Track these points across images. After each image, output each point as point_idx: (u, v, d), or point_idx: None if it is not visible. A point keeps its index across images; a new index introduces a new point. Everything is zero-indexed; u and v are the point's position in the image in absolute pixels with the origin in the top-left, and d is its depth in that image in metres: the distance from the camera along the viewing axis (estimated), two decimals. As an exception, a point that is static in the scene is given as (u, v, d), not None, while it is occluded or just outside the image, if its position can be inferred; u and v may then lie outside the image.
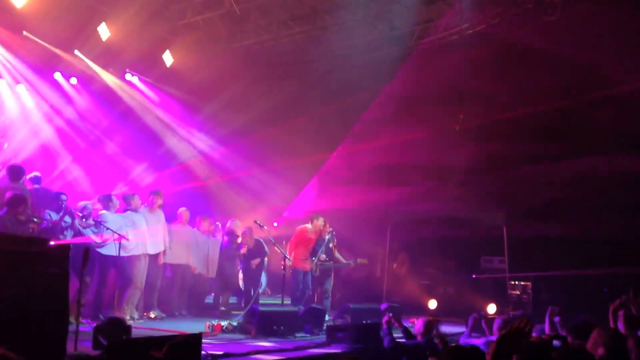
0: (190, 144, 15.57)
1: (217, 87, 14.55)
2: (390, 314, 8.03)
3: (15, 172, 9.62)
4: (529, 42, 12.10)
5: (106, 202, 10.28)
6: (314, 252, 11.74)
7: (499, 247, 14.23)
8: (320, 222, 11.86)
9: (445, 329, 10.95)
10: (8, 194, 8.76)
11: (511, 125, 13.45)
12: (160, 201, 10.93)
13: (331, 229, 12.00)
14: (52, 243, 6.95)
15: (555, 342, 5.50)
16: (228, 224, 12.40)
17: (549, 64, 12.55)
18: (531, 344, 4.49)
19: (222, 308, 11.88)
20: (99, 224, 9.71)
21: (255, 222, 11.70)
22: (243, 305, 12.04)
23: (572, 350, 4.69)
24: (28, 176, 10.17)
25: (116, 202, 10.51)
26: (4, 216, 8.49)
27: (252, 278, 12.39)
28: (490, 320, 8.58)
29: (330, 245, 11.95)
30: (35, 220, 9.01)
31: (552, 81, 12.89)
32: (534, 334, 7.23)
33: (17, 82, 12.89)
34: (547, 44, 11.96)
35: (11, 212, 8.53)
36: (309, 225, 11.89)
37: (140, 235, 10.23)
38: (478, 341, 7.21)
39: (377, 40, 13.74)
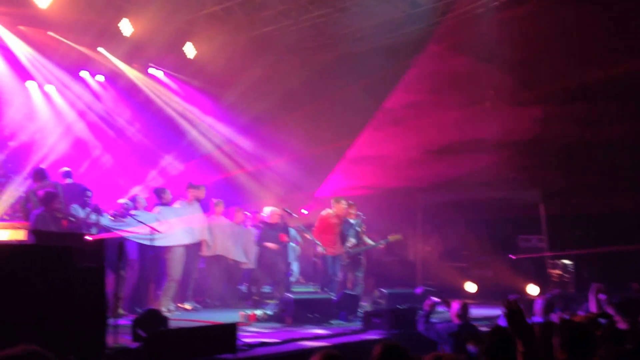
0: (215, 134, 15.60)
1: (239, 75, 14.55)
2: (438, 299, 7.91)
3: (38, 174, 9.77)
4: (559, 10, 11.86)
5: (134, 203, 10.36)
6: (342, 237, 11.59)
7: (536, 225, 13.94)
8: (342, 204, 11.58)
9: (484, 311, 10.82)
10: (41, 192, 8.89)
11: (545, 97, 13.25)
12: (195, 194, 10.94)
13: (359, 212, 11.87)
14: (87, 238, 7.04)
15: (602, 320, 5.37)
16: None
17: (582, 30, 12.27)
18: (576, 324, 4.38)
19: (255, 297, 11.87)
20: (129, 217, 9.78)
21: (285, 210, 11.65)
22: (276, 293, 12.02)
23: (617, 330, 4.57)
24: (60, 170, 10.33)
25: (143, 201, 10.63)
26: (42, 214, 8.65)
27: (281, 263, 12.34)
28: (529, 301, 8.42)
29: (358, 229, 11.79)
30: (72, 219, 9.09)
31: (588, 48, 12.59)
32: (580, 313, 7.12)
33: (46, 82, 13.07)
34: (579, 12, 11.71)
35: (48, 210, 8.70)
36: (330, 210, 11.72)
37: (170, 227, 10.22)
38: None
39: (399, 19, 13.59)
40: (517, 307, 3.53)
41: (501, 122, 13.76)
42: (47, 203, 8.74)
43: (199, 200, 11.03)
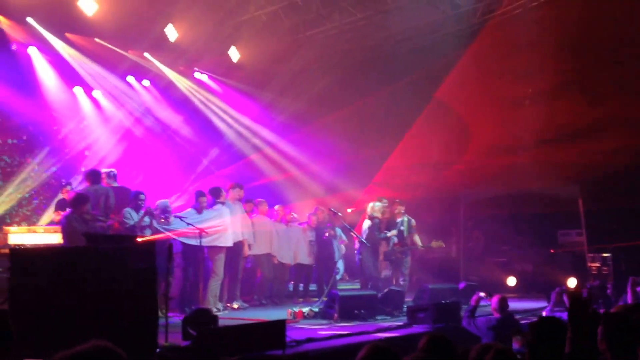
0: (260, 137, 15.80)
1: (283, 78, 14.72)
2: (483, 293, 7.99)
3: (91, 175, 9.76)
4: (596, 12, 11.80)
5: (198, 200, 10.45)
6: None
7: (575, 220, 13.91)
8: (378, 205, 11.80)
9: (526, 305, 10.86)
10: (71, 194, 9.03)
11: (580, 94, 13.16)
12: (236, 194, 11.09)
13: (404, 211, 12.01)
14: (139, 239, 7.25)
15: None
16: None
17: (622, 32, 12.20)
18: (619, 315, 4.47)
19: (300, 299, 12.09)
20: (179, 220, 10.01)
21: (331, 209, 11.84)
22: (318, 290, 12.21)
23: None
24: (103, 170, 10.38)
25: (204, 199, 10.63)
26: (70, 216, 8.68)
27: (324, 262, 12.52)
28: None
29: (403, 228, 11.93)
30: (101, 219, 9.15)
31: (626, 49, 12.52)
32: (619, 302, 7.17)
33: (93, 88, 13.41)
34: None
35: (76, 212, 8.68)
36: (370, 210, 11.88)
37: (223, 226, 10.36)
38: (563, 315, 7.15)
39: (439, 20, 13.68)
40: (585, 297, 3.65)
41: (541, 119, 13.70)
42: (74, 205, 8.72)
43: (239, 200, 11.20)
